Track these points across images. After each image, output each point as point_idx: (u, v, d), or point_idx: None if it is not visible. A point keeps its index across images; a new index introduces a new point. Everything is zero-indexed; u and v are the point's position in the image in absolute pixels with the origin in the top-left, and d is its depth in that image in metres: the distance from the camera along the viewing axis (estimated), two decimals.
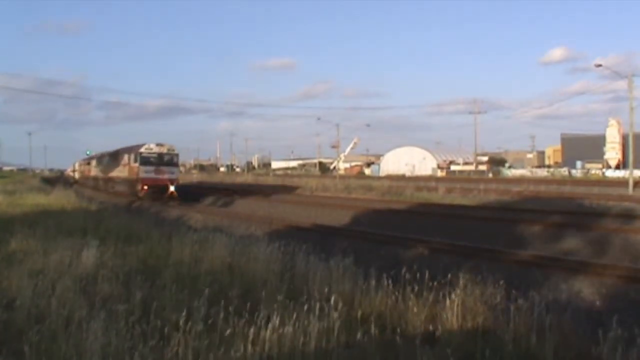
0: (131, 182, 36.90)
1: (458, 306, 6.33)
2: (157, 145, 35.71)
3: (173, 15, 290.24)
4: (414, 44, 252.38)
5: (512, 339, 5.59)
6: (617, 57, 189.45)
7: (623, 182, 41.36)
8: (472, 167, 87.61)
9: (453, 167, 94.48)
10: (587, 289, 9.54)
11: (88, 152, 68.70)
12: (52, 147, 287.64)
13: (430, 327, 6.14)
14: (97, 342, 4.86)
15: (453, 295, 6.52)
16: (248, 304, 5.91)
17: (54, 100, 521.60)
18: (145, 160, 35.25)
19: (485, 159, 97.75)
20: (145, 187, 34.44)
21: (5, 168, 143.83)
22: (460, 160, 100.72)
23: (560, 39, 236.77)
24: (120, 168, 40.96)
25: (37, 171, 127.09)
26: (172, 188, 34.49)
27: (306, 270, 8.27)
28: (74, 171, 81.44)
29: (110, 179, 44.72)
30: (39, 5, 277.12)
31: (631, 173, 38.86)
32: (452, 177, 70.12)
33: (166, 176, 34.92)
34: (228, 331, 5.20)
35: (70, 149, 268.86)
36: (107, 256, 9.21)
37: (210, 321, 5.37)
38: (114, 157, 43.94)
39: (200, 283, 7.43)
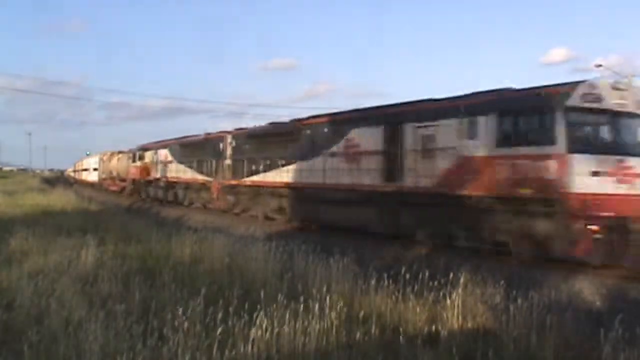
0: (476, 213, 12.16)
1: (458, 306, 6.32)
2: (614, 88, 11.01)
3: (175, 16, 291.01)
4: (415, 43, 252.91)
5: (512, 339, 5.58)
6: (617, 58, 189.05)
7: None
8: None
9: None
10: (587, 289, 9.53)
11: (87, 153, 68.66)
12: (53, 148, 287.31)
13: (432, 328, 6.13)
14: (97, 342, 4.85)
15: (454, 295, 6.51)
16: (247, 304, 5.90)
17: (55, 101, 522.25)
18: (585, 136, 11.39)
19: None
20: (595, 228, 9.97)
21: (5, 168, 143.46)
22: None
23: (561, 39, 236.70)
24: (368, 160, 15.06)
25: (37, 171, 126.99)
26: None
27: (305, 270, 8.25)
28: (75, 171, 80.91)
29: (294, 189, 18.58)
30: (40, 5, 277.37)
31: None
32: None
33: None
34: (227, 331, 5.19)
35: (70, 150, 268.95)
36: (107, 256, 9.19)
37: (209, 321, 5.35)
38: (328, 132, 17.06)
39: (199, 283, 7.41)
